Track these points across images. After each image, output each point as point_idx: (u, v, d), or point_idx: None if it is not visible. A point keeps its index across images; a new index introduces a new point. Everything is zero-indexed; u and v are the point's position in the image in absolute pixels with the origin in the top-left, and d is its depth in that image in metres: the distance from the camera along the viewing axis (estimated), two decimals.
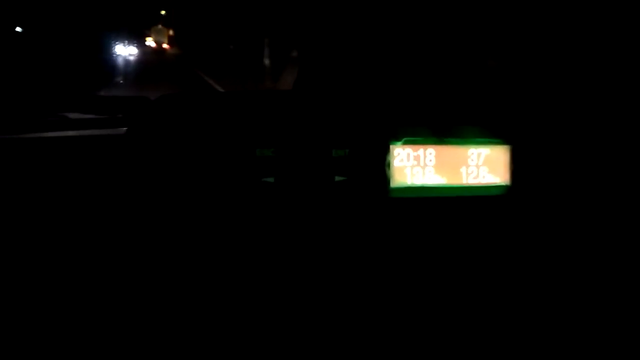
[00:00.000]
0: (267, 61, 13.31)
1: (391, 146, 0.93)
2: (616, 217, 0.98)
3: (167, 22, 48.75)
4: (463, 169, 0.96)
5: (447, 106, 0.99)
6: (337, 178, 0.91)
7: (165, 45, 41.46)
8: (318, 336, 0.88)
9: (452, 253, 0.94)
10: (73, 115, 1.27)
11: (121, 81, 12.89)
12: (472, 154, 0.96)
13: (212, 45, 23.43)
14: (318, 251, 0.91)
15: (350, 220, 0.92)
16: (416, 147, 0.94)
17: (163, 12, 54.63)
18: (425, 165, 0.95)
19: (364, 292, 0.91)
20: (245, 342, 0.86)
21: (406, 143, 0.94)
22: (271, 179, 0.89)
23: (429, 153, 0.95)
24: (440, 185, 0.95)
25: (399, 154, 0.94)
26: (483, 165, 0.97)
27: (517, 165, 0.97)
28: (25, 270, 0.87)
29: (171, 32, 46.39)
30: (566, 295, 0.94)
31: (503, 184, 0.97)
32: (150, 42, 42.76)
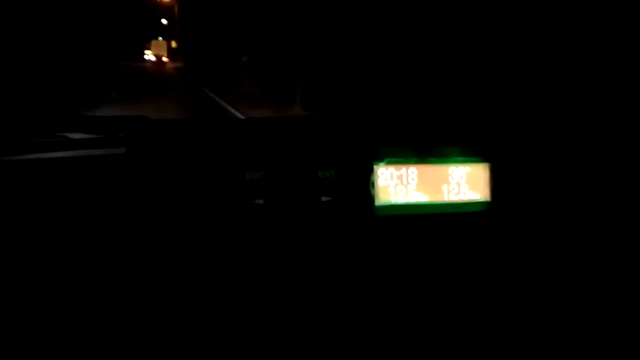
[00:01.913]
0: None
1: (375, 166, 1.05)
2: (594, 231, 1.10)
3: (169, 33, 49.21)
4: (444, 187, 1.08)
5: (427, 127, 1.13)
6: (323, 198, 1.03)
7: (164, 59, 42.19)
8: (306, 352, 1.00)
9: (436, 268, 1.06)
10: (74, 136, 1.38)
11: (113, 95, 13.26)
12: (453, 172, 1.08)
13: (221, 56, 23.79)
14: (307, 269, 1.03)
15: (337, 239, 1.04)
16: (399, 166, 1.06)
17: (165, 22, 55.17)
18: (408, 183, 1.07)
19: (352, 307, 1.03)
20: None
21: (389, 163, 1.06)
22: (261, 201, 1.01)
23: (411, 172, 1.07)
24: (423, 203, 1.07)
25: (382, 173, 1.06)
26: (464, 183, 1.09)
27: (496, 182, 1.09)
28: (29, 287, 0.99)
29: (173, 44, 46.78)
30: (546, 306, 1.06)
31: (483, 200, 1.09)
32: (149, 55, 43.60)
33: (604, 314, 1.06)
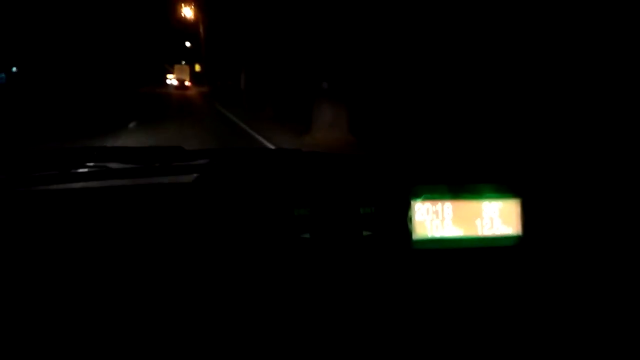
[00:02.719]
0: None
1: (412, 202, 1.16)
2: (623, 264, 1.19)
3: (194, 55, 49.57)
4: (478, 221, 1.18)
5: (461, 165, 1.24)
6: (365, 233, 1.14)
7: (187, 83, 43.13)
8: None
9: (470, 299, 1.15)
10: (113, 165, 1.49)
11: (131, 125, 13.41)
12: (486, 207, 1.18)
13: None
14: (350, 299, 1.12)
15: (377, 271, 1.14)
16: (435, 202, 1.16)
17: (188, 44, 55.81)
18: (444, 218, 1.17)
19: (392, 335, 1.13)
20: None
21: (425, 199, 1.16)
22: (307, 235, 1.12)
23: (447, 207, 1.17)
24: (458, 237, 1.17)
25: (419, 209, 1.16)
26: (496, 217, 1.18)
27: (527, 217, 1.18)
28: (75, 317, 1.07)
29: (197, 67, 46.97)
30: (574, 336, 1.14)
31: (515, 234, 1.18)
32: (172, 80, 44.61)
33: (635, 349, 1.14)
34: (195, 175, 1.19)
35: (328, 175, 1.20)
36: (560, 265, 1.18)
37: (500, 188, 1.19)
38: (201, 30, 42.79)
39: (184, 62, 47.04)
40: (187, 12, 43.92)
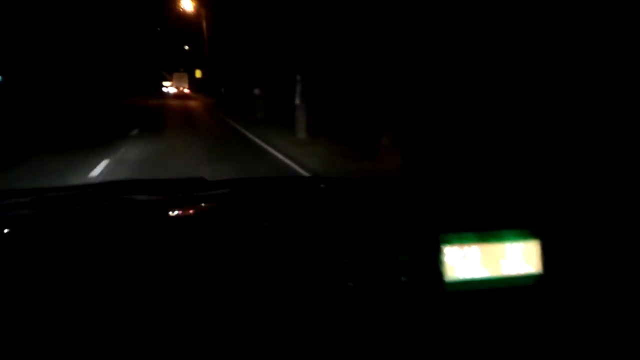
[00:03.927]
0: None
1: (442, 247, 1.34)
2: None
3: (193, 60, 48.18)
4: (502, 262, 1.34)
5: (486, 213, 1.43)
6: (402, 278, 1.29)
7: (186, 90, 42.88)
8: None
9: (499, 334, 1.30)
10: (140, 198, 1.61)
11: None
12: (509, 248, 1.35)
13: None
14: (395, 342, 1.25)
15: (417, 313, 1.29)
16: (462, 246, 1.34)
17: (186, 47, 54.28)
18: (472, 261, 1.34)
19: None
20: None
21: (454, 244, 1.33)
22: (351, 283, 1.27)
23: (474, 251, 1.34)
24: (485, 278, 1.33)
25: (449, 253, 1.33)
26: (519, 258, 1.35)
27: (547, 256, 1.34)
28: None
29: (198, 74, 44.02)
30: None
31: (536, 273, 1.35)
32: (169, 88, 44.28)
33: None
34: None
35: (367, 224, 1.37)
36: (579, 300, 1.35)
37: (521, 232, 1.37)
38: (204, 26, 39.27)
39: (181, 69, 46.92)
40: (187, 5, 41.06)
